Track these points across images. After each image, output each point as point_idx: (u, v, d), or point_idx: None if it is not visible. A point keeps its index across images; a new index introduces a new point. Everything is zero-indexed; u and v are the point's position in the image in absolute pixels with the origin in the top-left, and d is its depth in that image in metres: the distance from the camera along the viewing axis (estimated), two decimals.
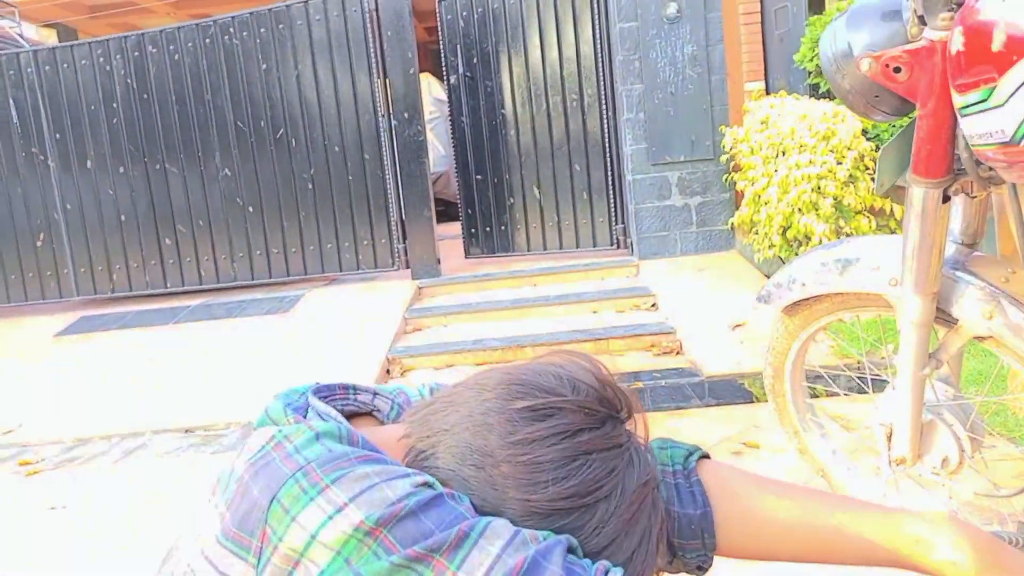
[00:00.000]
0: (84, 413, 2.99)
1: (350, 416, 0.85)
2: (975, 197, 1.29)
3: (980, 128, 1.03)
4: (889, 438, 1.42)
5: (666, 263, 4.15)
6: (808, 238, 3.16)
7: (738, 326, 3.14)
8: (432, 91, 6.55)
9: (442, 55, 4.50)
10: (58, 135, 4.54)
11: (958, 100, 1.06)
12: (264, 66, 4.40)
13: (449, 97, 4.55)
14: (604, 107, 4.36)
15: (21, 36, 5.73)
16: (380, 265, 4.49)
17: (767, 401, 2.40)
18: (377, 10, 4.23)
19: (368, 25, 4.25)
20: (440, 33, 4.49)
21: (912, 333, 1.32)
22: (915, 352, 1.33)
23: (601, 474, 0.69)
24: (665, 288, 3.75)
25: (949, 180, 1.19)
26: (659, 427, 2.04)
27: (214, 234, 4.56)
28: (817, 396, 1.77)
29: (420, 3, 4.97)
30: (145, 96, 4.48)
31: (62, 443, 2.75)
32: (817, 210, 3.06)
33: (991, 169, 1.13)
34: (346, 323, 3.77)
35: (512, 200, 4.52)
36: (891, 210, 3.08)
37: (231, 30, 4.39)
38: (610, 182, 4.40)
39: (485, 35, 4.43)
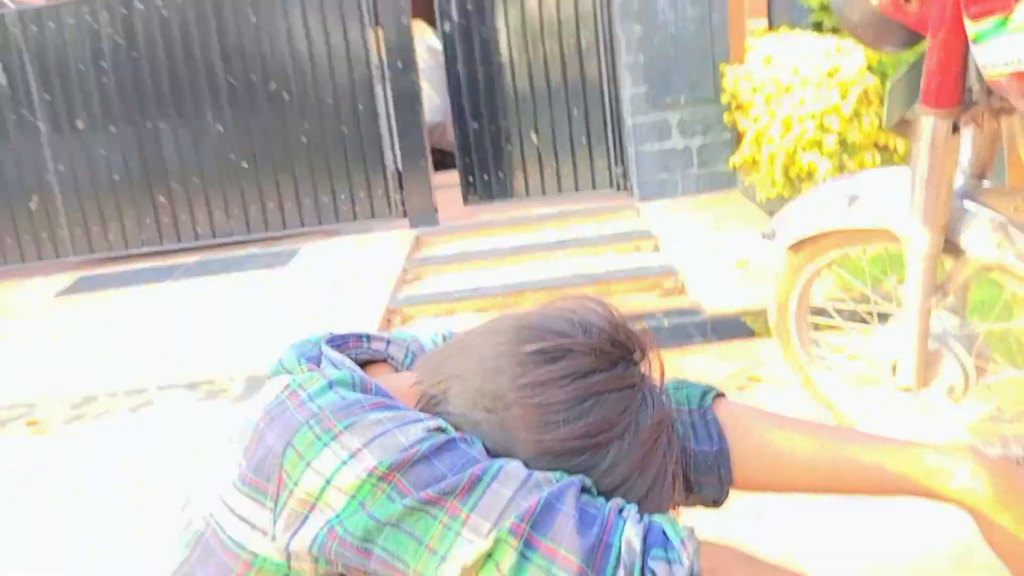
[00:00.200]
0: (89, 372, 3.01)
1: (364, 364, 0.85)
2: (985, 127, 1.27)
3: (995, 56, 1.02)
4: (895, 368, 1.43)
5: (667, 204, 4.13)
6: (811, 176, 3.13)
7: (742, 264, 3.13)
8: (425, 39, 6.41)
9: (435, 2, 4.39)
10: (47, 96, 4.46)
11: (971, 29, 1.04)
12: (254, 19, 4.29)
13: (443, 45, 4.46)
14: (602, 50, 4.27)
15: None
16: (377, 216, 4.46)
17: (770, 337, 2.42)
18: None
19: None
20: None
21: (920, 265, 1.32)
22: (922, 284, 1.32)
23: (613, 414, 0.69)
24: (666, 229, 3.74)
25: (959, 111, 1.18)
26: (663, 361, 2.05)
27: (208, 191, 4.52)
28: (820, 329, 1.78)
29: None
30: (134, 54, 4.38)
31: (68, 402, 2.77)
32: (820, 147, 3.03)
33: (1003, 99, 1.11)
34: (345, 275, 3.76)
35: (510, 147, 4.47)
36: (895, 146, 3.04)
37: None
38: (609, 126, 4.34)
39: None
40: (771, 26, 3.94)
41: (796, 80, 3.05)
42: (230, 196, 4.51)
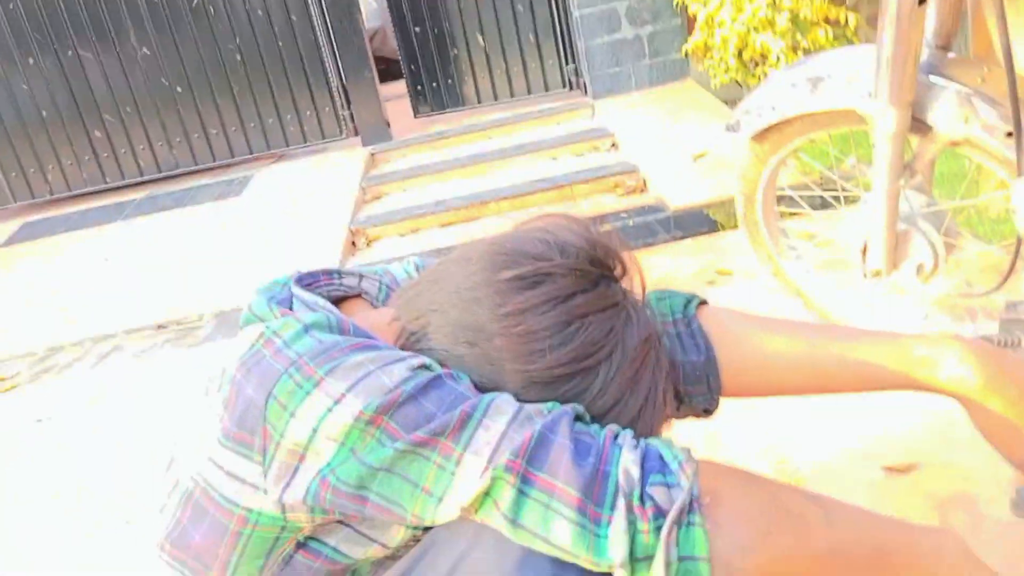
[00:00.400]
0: (50, 322, 2.93)
1: (338, 301, 0.82)
2: None
3: None
4: (864, 252, 1.44)
5: (622, 100, 4.04)
6: (765, 57, 3.07)
7: (700, 156, 3.11)
8: None
9: None
10: None
11: None
12: None
13: None
14: None
15: None
16: (328, 135, 4.31)
17: (735, 229, 2.42)
18: None
19: None
20: None
21: (887, 145, 1.30)
22: (890, 164, 1.31)
23: (599, 335, 0.67)
24: (623, 126, 3.67)
25: None
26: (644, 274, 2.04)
27: (145, 121, 4.30)
28: (786, 218, 1.78)
29: None
30: None
31: (34, 355, 2.70)
32: (773, 27, 2.96)
33: None
34: (302, 199, 3.66)
35: (456, 51, 4.30)
36: (846, 19, 2.99)
37: None
38: (556, 20, 4.19)
39: None
40: None
41: None
42: (169, 125, 4.31)
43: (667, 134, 3.43)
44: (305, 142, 4.33)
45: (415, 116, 4.43)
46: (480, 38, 4.27)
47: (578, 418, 0.65)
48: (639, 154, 3.30)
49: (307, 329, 0.69)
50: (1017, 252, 1.36)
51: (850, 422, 1.43)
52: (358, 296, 0.84)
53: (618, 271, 0.72)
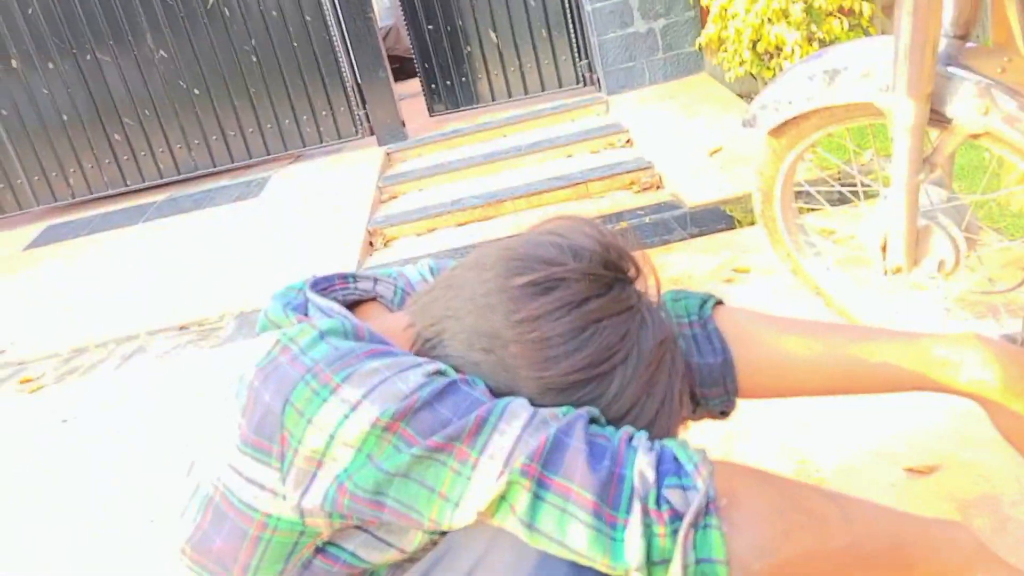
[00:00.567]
0: (74, 323, 2.96)
1: (353, 305, 0.82)
2: None
3: None
4: (884, 248, 1.42)
5: (636, 95, 4.02)
6: (779, 49, 3.04)
7: (715, 151, 3.08)
8: None
9: None
10: None
11: None
12: None
13: None
14: None
15: None
16: (343, 135, 4.33)
17: (751, 225, 2.40)
18: None
19: None
20: None
21: (906, 138, 1.29)
22: (909, 158, 1.29)
23: (614, 340, 0.66)
24: (638, 122, 3.66)
25: None
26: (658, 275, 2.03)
27: (164, 123, 4.34)
28: (805, 213, 1.76)
29: None
30: None
31: (59, 356, 2.74)
32: (788, 18, 2.93)
33: None
34: (320, 199, 3.68)
35: (469, 48, 4.30)
36: (860, 8, 2.95)
37: None
38: (568, 15, 4.17)
39: None
40: None
41: None
42: (188, 127, 4.35)
43: (682, 129, 3.41)
44: (321, 142, 4.36)
45: (430, 115, 4.44)
46: (493, 34, 4.27)
47: (593, 421, 0.65)
48: (654, 150, 3.28)
49: (323, 335, 0.69)
50: None
51: (871, 423, 1.42)
52: (373, 300, 0.85)
53: (632, 273, 0.71)
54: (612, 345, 0.66)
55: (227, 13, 4.14)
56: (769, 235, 1.72)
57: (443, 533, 0.70)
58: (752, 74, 3.26)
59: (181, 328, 2.74)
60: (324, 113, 4.31)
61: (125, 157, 4.40)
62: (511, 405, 0.64)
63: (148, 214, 4.08)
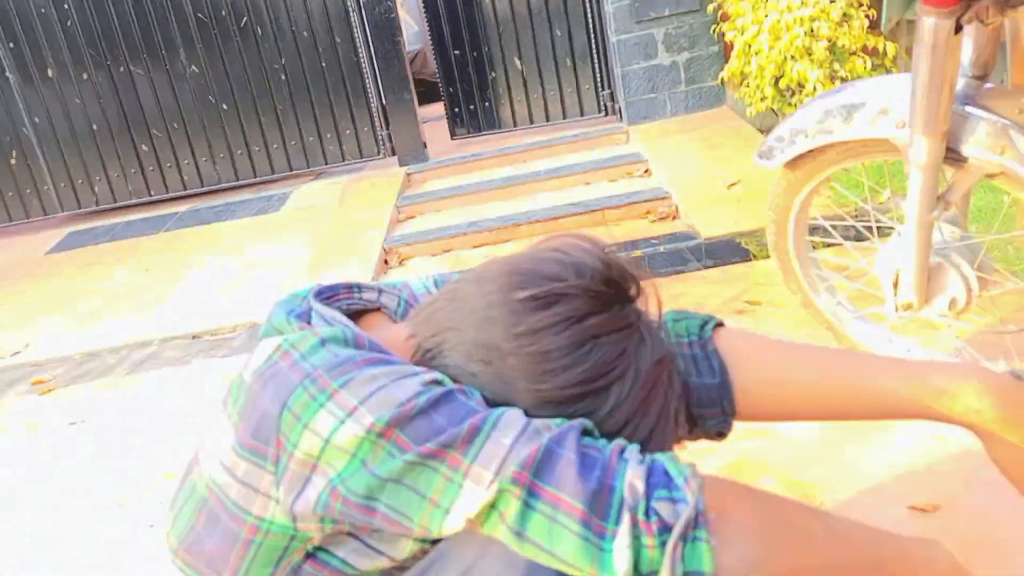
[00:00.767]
0: (89, 328, 3.00)
1: (357, 314, 0.83)
2: (989, 24, 1.21)
3: None
4: (896, 284, 1.42)
5: (656, 126, 4.05)
6: (801, 86, 3.06)
7: (733, 185, 3.09)
8: None
9: None
10: (11, 45, 4.31)
11: None
12: None
13: None
14: None
15: None
16: (366, 154, 4.38)
17: (765, 258, 2.39)
18: None
19: None
20: None
21: (920, 176, 1.29)
22: (923, 196, 1.29)
23: (611, 357, 0.67)
24: (657, 152, 3.67)
25: (962, 8, 1.12)
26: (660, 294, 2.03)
27: (191, 136, 4.42)
28: (818, 248, 1.75)
29: None
30: None
31: (72, 359, 2.77)
32: (811, 55, 2.95)
33: None
34: (338, 217, 3.72)
35: (494, 74, 4.35)
36: (884, 48, 2.97)
37: None
38: (593, 45, 4.22)
39: None
40: None
41: None
42: (214, 141, 4.42)
43: (701, 161, 3.42)
44: (343, 161, 4.41)
45: (452, 138, 4.48)
46: (518, 62, 4.32)
47: (586, 432, 0.65)
48: (672, 181, 3.29)
49: (323, 343, 0.70)
50: None
51: (877, 459, 1.40)
52: (377, 310, 0.85)
53: (633, 292, 0.72)
54: (610, 361, 0.67)
55: (259, 32, 4.23)
56: (781, 268, 1.71)
57: (434, 542, 0.70)
58: (773, 110, 3.27)
59: (194, 337, 2.77)
60: (348, 132, 4.36)
61: (151, 168, 4.48)
62: (505, 415, 0.64)
63: (169, 224, 4.14)
